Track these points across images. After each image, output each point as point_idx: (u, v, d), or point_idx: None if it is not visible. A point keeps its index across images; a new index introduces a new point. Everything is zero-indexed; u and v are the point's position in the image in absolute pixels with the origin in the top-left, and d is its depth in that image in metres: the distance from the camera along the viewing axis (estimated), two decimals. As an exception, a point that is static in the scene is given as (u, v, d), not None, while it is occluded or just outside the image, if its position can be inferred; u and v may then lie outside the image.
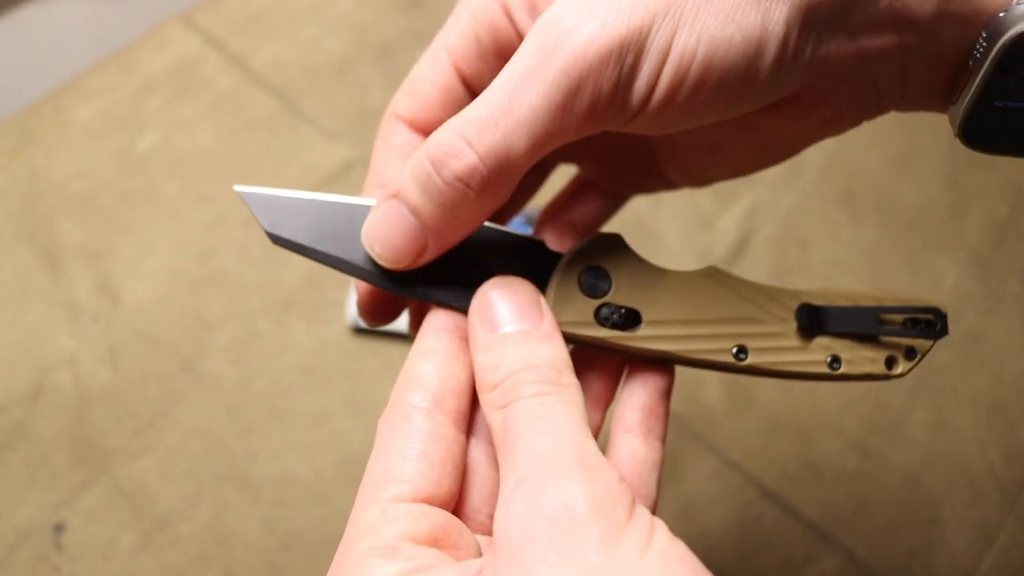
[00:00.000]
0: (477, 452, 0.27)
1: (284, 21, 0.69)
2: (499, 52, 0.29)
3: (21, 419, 0.50)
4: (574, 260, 0.28)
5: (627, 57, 0.23)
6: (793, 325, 0.29)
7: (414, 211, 0.25)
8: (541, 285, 0.28)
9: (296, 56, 0.67)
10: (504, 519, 0.22)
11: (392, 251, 0.26)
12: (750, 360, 0.28)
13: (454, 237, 0.26)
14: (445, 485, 0.25)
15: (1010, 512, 0.51)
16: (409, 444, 0.25)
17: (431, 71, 0.29)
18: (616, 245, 0.29)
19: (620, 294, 0.28)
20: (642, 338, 0.28)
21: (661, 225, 0.61)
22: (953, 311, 0.58)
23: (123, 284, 0.55)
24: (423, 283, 0.27)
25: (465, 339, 0.27)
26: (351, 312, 0.54)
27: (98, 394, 0.51)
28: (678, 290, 0.28)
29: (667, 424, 0.30)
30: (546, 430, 0.23)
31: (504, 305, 0.26)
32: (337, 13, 0.69)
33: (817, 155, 0.65)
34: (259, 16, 0.68)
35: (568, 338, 0.27)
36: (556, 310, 0.28)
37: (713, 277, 0.29)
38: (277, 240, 0.27)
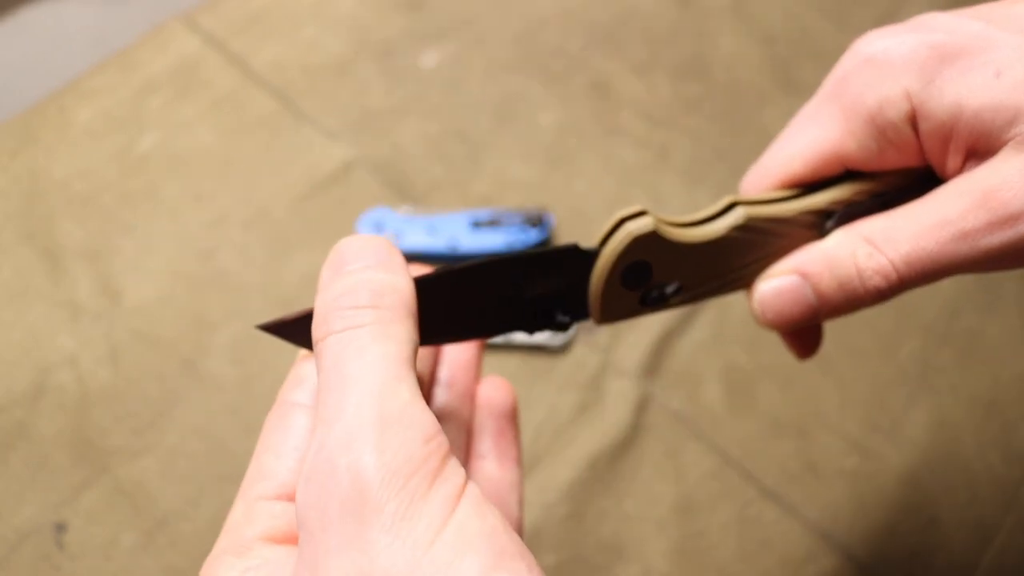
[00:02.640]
0: None
1: (284, 21, 0.69)
2: (889, 146, 0.30)
3: (22, 419, 0.50)
4: (616, 262, 0.28)
5: None
6: (816, 232, 0.31)
7: (819, 295, 0.29)
8: (580, 286, 0.28)
9: (296, 56, 0.67)
10: (301, 495, 0.21)
11: (781, 320, 0.30)
12: None
13: (827, 319, 0.29)
14: None
15: (1009, 512, 0.52)
16: (283, 440, 0.24)
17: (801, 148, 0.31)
18: (648, 229, 0.28)
19: (661, 275, 0.29)
20: (686, 298, 0.30)
21: (661, 225, 0.61)
22: (952, 311, 0.58)
23: (124, 284, 0.55)
24: (481, 325, 0.28)
25: None
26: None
27: (99, 394, 0.51)
28: (715, 253, 0.29)
29: (519, 444, 0.31)
30: (350, 382, 0.21)
31: (351, 246, 0.24)
32: (337, 13, 0.70)
33: (817, 155, 0.65)
34: (259, 16, 0.69)
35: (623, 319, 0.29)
36: (605, 313, 0.29)
37: (742, 228, 0.29)
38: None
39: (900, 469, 0.53)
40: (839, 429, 0.53)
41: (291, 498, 0.24)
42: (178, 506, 0.48)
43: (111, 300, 0.55)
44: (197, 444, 0.50)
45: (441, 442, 0.21)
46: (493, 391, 0.32)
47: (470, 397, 0.32)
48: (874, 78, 0.28)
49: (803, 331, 0.35)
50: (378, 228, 0.57)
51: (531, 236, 0.57)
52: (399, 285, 0.23)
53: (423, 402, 0.22)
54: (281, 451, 0.24)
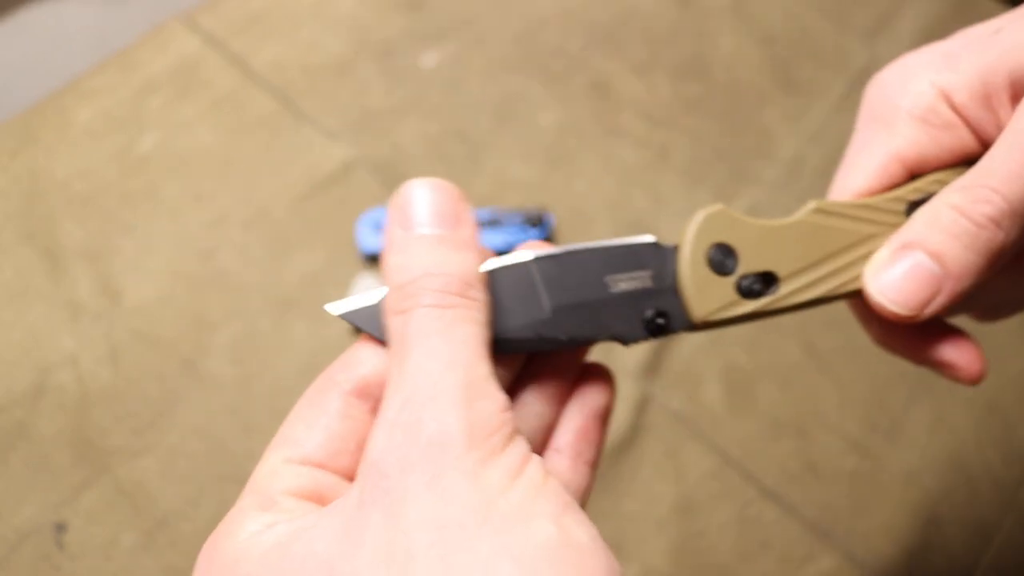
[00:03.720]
0: None
1: (284, 21, 0.69)
2: (938, 131, 0.30)
3: (22, 419, 0.50)
4: (696, 247, 0.28)
5: None
6: (903, 220, 0.30)
7: (937, 256, 0.27)
8: (668, 285, 0.27)
9: (296, 56, 0.67)
10: (382, 442, 0.22)
11: (911, 303, 0.27)
12: None
13: (970, 282, 0.27)
14: (341, 461, 0.24)
15: (1008, 511, 0.52)
16: (317, 415, 0.25)
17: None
18: (725, 218, 0.28)
19: (749, 262, 0.28)
20: (786, 296, 0.28)
21: (661, 225, 0.61)
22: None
23: (124, 284, 0.55)
24: (571, 331, 0.27)
25: None
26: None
27: (99, 394, 0.51)
28: (798, 237, 0.29)
29: (600, 448, 0.30)
30: (437, 351, 0.23)
31: (423, 205, 0.25)
32: (337, 13, 0.70)
33: (815, 155, 0.65)
34: (259, 16, 0.69)
35: (723, 323, 0.28)
36: (699, 302, 0.27)
37: (820, 212, 0.29)
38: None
39: (900, 469, 0.53)
40: (839, 429, 0.53)
41: (318, 466, 0.24)
42: (178, 506, 0.48)
43: (111, 300, 0.55)
44: (197, 444, 0.50)
45: (512, 417, 0.23)
46: (592, 385, 0.30)
47: (555, 395, 0.30)
48: (898, 85, 0.30)
49: (948, 335, 0.31)
50: (378, 228, 0.57)
51: (531, 236, 0.57)
52: (477, 274, 0.25)
53: (498, 382, 0.23)
54: (313, 424, 0.25)
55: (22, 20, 0.69)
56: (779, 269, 0.28)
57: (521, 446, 0.23)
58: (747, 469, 0.52)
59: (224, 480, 0.49)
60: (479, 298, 0.24)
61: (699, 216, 0.28)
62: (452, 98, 0.66)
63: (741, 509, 0.50)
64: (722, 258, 0.28)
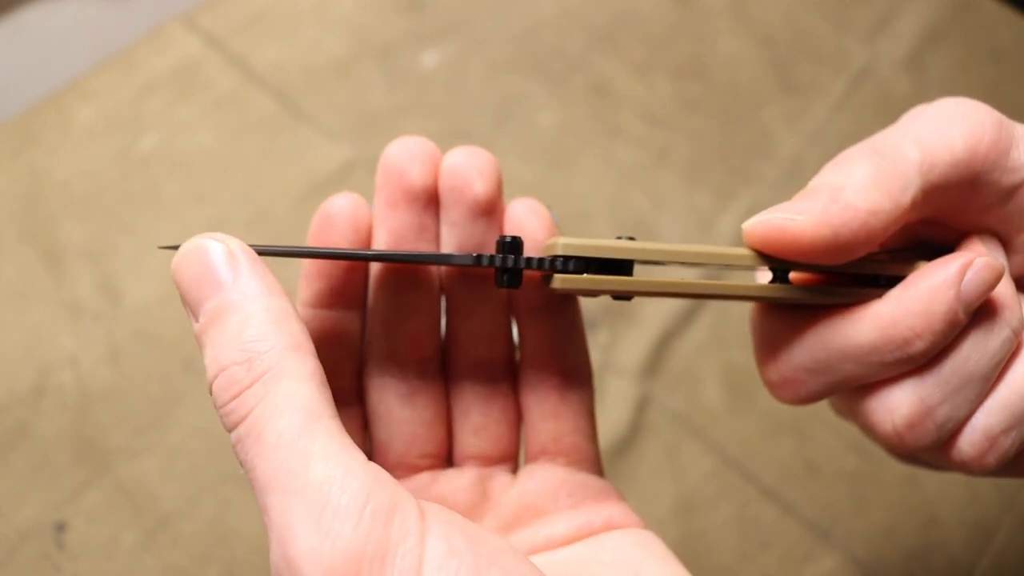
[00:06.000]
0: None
1: (285, 22, 0.69)
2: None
3: (23, 419, 0.50)
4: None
5: None
6: None
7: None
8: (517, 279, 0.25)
9: (296, 57, 0.67)
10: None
11: (763, 238, 0.25)
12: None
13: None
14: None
15: (1008, 512, 0.52)
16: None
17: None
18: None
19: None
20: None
21: (661, 225, 0.61)
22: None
23: (125, 284, 0.55)
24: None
25: None
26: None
27: (100, 394, 0.51)
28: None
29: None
30: (268, 462, 0.19)
31: (184, 283, 0.22)
32: (337, 14, 0.70)
33: (815, 154, 0.65)
34: (260, 17, 0.69)
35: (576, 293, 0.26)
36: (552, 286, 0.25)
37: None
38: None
39: (899, 468, 0.53)
40: (839, 429, 0.53)
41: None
42: (179, 506, 0.48)
43: (112, 300, 0.55)
44: (198, 444, 0.50)
45: (383, 490, 0.18)
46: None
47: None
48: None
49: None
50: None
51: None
52: (264, 329, 0.20)
53: (341, 447, 0.19)
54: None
55: (22, 20, 0.69)
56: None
57: (410, 535, 0.18)
58: (747, 469, 0.52)
59: (226, 479, 0.49)
60: (273, 363, 0.20)
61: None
62: (452, 98, 0.66)
63: (741, 509, 0.51)
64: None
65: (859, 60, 0.71)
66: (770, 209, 0.25)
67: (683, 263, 0.26)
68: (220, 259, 0.22)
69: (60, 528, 0.47)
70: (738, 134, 0.66)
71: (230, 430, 0.20)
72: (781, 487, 0.51)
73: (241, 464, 0.20)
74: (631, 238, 0.26)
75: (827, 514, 0.51)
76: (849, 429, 0.54)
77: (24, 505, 0.48)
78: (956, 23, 0.74)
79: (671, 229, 0.61)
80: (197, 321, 0.21)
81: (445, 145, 0.29)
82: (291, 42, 0.68)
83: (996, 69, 0.72)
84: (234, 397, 0.20)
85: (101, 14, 0.70)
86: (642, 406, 0.53)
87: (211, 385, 0.20)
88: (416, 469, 0.28)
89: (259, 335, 0.20)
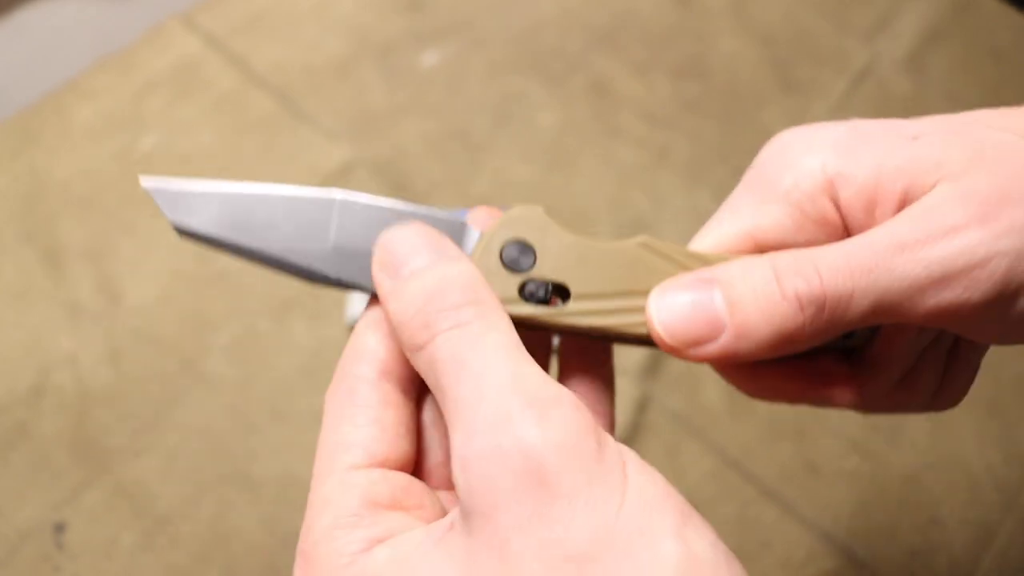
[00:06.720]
0: (429, 413, 0.27)
1: (284, 21, 0.69)
2: (806, 221, 0.28)
3: (23, 419, 0.50)
4: (495, 236, 0.27)
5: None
6: None
7: (730, 305, 0.25)
8: None
9: (296, 56, 0.67)
10: (465, 480, 0.20)
11: (682, 336, 0.25)
12: None
13: (746, 350, 0.25)
14: (400, 447, 0.24)
15: (1009, 512, 0.52)
16: (359, 412, 0.24)
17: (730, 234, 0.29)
18: (538, 219, 0.27)
19: (545, 268, 0.27)
20: (571, 313, 0.26)
21: (661, 225, 0.61)
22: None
23: (124, 284, 0.55)
24: (341, 272, 0.27)
25: None
26: (351, 312, 0.54)
27: (99, 394, 0.51)
28: (608, 262, 0.27)
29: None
30: (479, 371, 0.21)
31: (403, 244, 0.24)
32: (337, 13, 0.70)
33: (817, 155, 0.65)
34: (259, 16, 0.69)
35: None
36: None
37: (646, 247, 0.27)
38: (185, 233, 0.26)
39: (900, 469, 0.53)
40: (839, 429, 0.53)
41: (384, 464, 0.24)
42: (178, 506, 0.48)
43: (111, 300, 0.55)
44: (197, 444, 0.50)
45: (583, 410, 0.21)
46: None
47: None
48: (790, 157, 0.28)
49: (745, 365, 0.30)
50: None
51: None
52: (475, 274, 0.24)
53: (552, 379, 0.22)
54: (359, 422, 0.24)
55: (22, 20, 0.69)
56: (574, 286, 0.27)
57: (612, 447, 0.21)
58: (747, 469, 0.52)
59: (224, 480, 0.49)
60: (490, 299, 0.23)
61: (512, 211, 0.27)
62: (452, 98, 0.66)
63: (741, 509, 0.50)
64: (517, 255, 0.27)
65: (859, 60, 0.71)
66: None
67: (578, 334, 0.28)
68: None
69: (60, 528, 0.47)
70: (738, 134, 0.66)
71: (436, 350, 0.22)
72: (781, 487, 0.51)
73: (425, 359, 0.23)
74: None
75: (827, 514, 0.51)
76: (850, 430, 0.54)
77: (24, 505, 0.48)
78: (956, 23, 0.74)
79: (671, 229, 0.61)
80: (414, 265, 0.24)
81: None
82: (291, 42, 0.68)
83: (996, 69, 0.72)
84: (453, 312, 0.23)
85: (101, 14, 0.70)
86: (642, 406, 0.53)
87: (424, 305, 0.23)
88: None
89: (483, 285, 0.24)
